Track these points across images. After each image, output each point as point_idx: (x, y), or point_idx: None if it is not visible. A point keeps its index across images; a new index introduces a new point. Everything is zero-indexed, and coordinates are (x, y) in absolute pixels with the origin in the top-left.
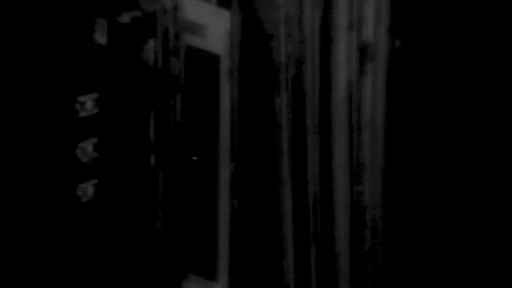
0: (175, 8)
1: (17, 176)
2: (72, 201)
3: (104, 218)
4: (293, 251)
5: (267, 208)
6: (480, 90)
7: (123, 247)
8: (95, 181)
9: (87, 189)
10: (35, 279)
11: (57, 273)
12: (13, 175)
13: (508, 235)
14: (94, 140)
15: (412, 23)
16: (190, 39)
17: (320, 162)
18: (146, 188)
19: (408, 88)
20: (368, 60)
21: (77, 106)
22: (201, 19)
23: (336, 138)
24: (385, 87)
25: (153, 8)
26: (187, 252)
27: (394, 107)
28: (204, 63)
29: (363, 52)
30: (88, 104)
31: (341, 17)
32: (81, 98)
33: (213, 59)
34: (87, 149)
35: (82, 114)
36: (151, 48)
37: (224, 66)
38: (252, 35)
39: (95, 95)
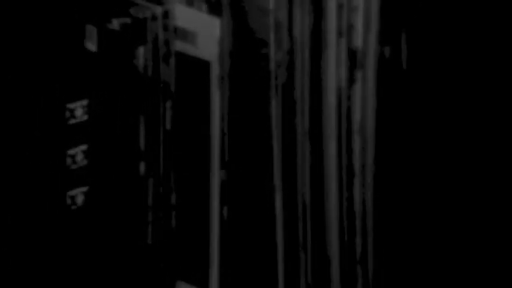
0: (166, 15)
1: (5, 183)
2: (61, 208)
3: (93, 226)
4: (284, 258)
5: (258, 215)
6: (471, 96)
7: (113, 255)
8: (85, 188)
9: (77, 197)
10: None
11: (46, 282)
12: (1, 182)
13: (501, 236)
14: (84, 147)
15: (402, 30)
16: (180, 46)
17: (311, 168)
18: (136, 196)
19: (398, 94)
20: (358, 66)
21: (67, 113)
22: (191, 26)
23: (327, 144)
24: (375, 93)
25: (143, 14)
26: (177, 260)
27: (384, 113)
28: (194, 70)
29: (353, 59)
30: (78, 111)
31: (331, 24)
32: (70, 105)
33: (203, 66)
34: (76, 156)
35: (71, 121)
36: (141, 55)
37: (214, 73)
38: (243, 42)
39: (85, 102)
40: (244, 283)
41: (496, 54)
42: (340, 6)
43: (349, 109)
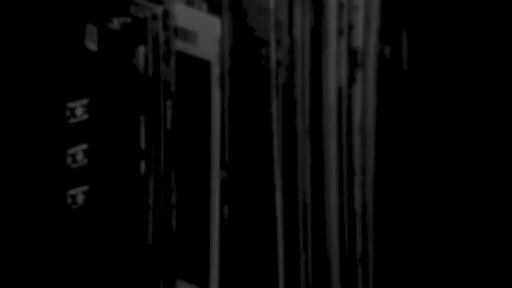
0: (166, 15)
1: (5, 183)
2: (61, 208)
3: (93, 225)
4: (284, 257)
5: (258, 214)
6: (472, 95)
7: (113, 254)
8: (85, 188)
9: (77, 196)
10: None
11: (47, 282)
12: (1, 181)
13: (502, 235)
14: (84, 146)
15: (402, 29)
16: (181, 46)
17: (311, 167)
18: (136, 195)
19: (398, 94)
20: (358, 66)
21: (67, 112)
22: (191, 25)
23: (327, 144)
24: (376, 93)
25: (144, 14)
26: (178, 259)
27: (384, 112)
28: (194, 69)
29: (353, 58)
30: (78, 110)
31: (331, 23)
32: (70, 104)
33: (203, 65)
34: (77, 155)
35: (72, 120)
36: (141, 54)
37: (215, 72)
38: (243, 42)
39: (85, 101)
40: (245, 283)
41: (497, 53)
42: (340, 6)
43: (349, 108)
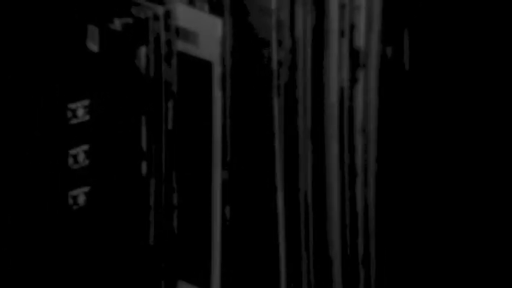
0: (167, 15)
1: (7, 183)
2: (63, 208)
3: (95, 226)
4: (286, 258)
5: (260, 215)
6: (473, 95)
7: (114, 255)
8: (86, 188)
9: (78, 197)
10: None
11: (48, 282)
12: (2, 182)
13: (504, 234)
14: (85, 147)
15: (404, 29)
16: (182, 46)
17: (313, 168)
18: (138, 196)
19: (400, 94)
20: (360, 66)
21: (68, 113)
22: (193, 26)
23: (329, 144)
24: (377, 93)
25: (145, 14)
26: (179, 260)
27: (386, 113)
28: (196, 70)
29: (355, 58)
30: (79, 111)
31: (333, 23)
32: (72, 105)
33: (205, 66)
34: (78, 156)
35: (73, 121)
36: (143, 55)
37: (216, 73)
38: (244, 42)
39: (86, 102)
40: (246, 283)
41: (499, 54)
42: (342, 6)
43: (351, 109)
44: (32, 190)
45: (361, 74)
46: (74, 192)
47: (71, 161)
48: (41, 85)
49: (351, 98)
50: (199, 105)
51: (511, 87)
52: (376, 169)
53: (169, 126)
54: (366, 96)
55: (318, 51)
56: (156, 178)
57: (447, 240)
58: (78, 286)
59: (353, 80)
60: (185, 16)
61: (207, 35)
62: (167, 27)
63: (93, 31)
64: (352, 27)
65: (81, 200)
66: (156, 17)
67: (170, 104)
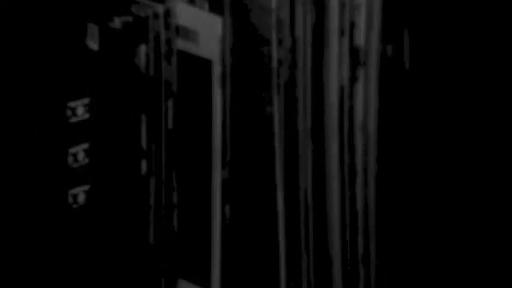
0: (167, 14)
1: (7, 182)
2: (62, 207)
3: (95, 225)
4: (286, 257)
5: (260, 214)
6: (474, 94)
7: (114, 254)
8: (86, 187)
9: (78, 196)
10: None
11: (47, 281)
12: (2, 181)
13: (504, 234)
14: (85, 145)
15: (404, 28)
16: (182, 45)
17: (313, 167)
18: (138, 195)
19: (400, 93)
20: (360, 65)
21: (68, 112)
22: (193, 24)
23: (329, 143)
24: (378, 92)
25: (145, 13)
26: (179, 259)
27: (386, 111)
28: (196, 68)
29: (355, 57)
30: (79, 110)
31: (333, 22)
32: (72, 104)
33: (205, 65)
34: (78, 154)
35: (73, 119)
36: (143, 53)
37: (216, 71)
38: (244, 41)
39: (86, 101)
40: (246, 282)
41: (499, 53)
42: (342, 5)
43: (351, 108)
44: (32, 189)
45: (361, 73)
46: (74, 191)
47: (70, 159)
48: (41, 83)
49: (351, 97)
50: (199, 103)
51: (511, 86)
52: (376, 168)
53: (169, 125)
54: (366, 95)
55: (318, 50)
56: (156, 177)
57: (447, 239)
58: (78, 285)
59: (353, 79)
60: (185, 14)
61: (207, 34)
62: (167, 26)
63: (93, 29)
64: (352, 25)
65: (81, 198)
66: (156, 16)
67: (170, 103)
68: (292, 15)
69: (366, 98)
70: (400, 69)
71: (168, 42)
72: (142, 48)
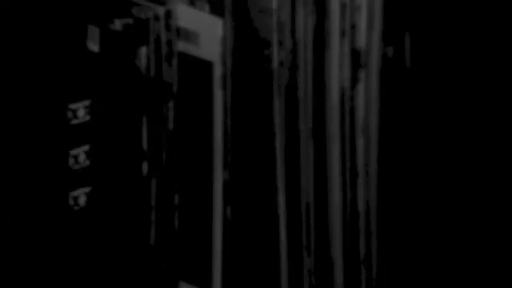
0: (168, 15)
1: (8, 183)
2: (63, 209)
3: (96, 227)
4: (287, 259)
5: (261, 215)
6: (475, 95)
7: (115, 256)
8: (87, 189)
9: (79, 198)
10: None
11: (48, 282)
12: (3, 182)
13: (505, 234)
14: (86, 147)
15: (405, 29)
16: (182, 47)
17: (314, 168)
18: (139, 196)
19: (401, 94)
20: (361, 66)
21: (69, 113)
22: (193, 26)
23: (330, 144)
24: (379, 93)
25: (146, 15)
26: (180, 260)
27: (387, 113)
28: (197, 70)
29: (356, 59)
30: (80, 112)
31: (334, 23)
32: (72, 106)
33: (205, 66)
34: (79, 156)
35: (74, 121)
36: (143, 55)
37: (217, 73)
38: (245, 42)
39: (87, 103)
40: (248, 284)
41: (500, 53)
42: (343, 6)
43: (352, 109)
44: (32, 191)
45: (362, 74)
46: (75, 193)
47: (71, 161)
48: (42, 85)
49: (352, 98)
50: (200, 105)
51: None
52: (378, 169)
53: (170, 127)
54: (367, 96)
55: (319, 51)
56: (157, 178)
57: (448, 240)
58: (79, 287)
59: (354, 80)
60: (186, 16)
61: (208, 35)
62: (168, 28)
63: (93, 31)
64: (353, 27)
65: (82, 200)
66: (156, 18)
67: (171, 104)
68: (293, 16)
69: (367, 99)
70: (401, 71)
71: (169, 44)
72: (143, 50)
